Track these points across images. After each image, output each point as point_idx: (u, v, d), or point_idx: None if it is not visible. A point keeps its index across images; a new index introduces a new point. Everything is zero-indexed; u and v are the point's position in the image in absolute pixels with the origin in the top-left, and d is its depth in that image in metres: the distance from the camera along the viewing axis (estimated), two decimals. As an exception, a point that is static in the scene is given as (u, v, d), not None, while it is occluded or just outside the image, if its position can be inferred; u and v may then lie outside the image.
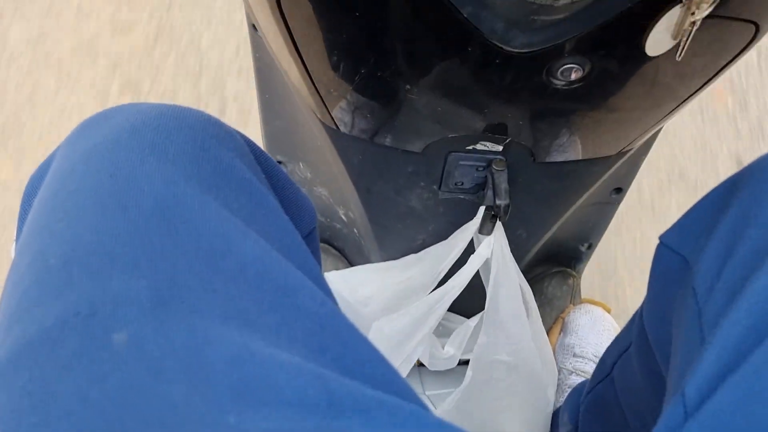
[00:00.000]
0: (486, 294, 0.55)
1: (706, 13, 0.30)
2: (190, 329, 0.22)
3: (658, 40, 0.33)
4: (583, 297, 0.78)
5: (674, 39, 0.32)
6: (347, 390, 0.22)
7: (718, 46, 0.36)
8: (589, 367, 0.69)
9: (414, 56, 0.36)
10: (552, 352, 0.66)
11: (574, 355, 0.71)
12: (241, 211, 0.28)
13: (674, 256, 0.37)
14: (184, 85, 0.98)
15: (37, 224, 0.27)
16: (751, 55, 1.01)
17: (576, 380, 0.69)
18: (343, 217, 0.62)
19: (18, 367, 0.22)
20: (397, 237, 0.57)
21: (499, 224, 0.50)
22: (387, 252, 0.59)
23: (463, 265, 0.52)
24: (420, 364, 0.71)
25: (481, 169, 0.47)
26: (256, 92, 0.55)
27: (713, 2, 0.29)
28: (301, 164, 0.60)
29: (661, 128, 0.53)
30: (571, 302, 0.76)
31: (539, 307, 0.62)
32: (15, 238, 0.32)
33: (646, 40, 0.33)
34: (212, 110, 0.96)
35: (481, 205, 0.50)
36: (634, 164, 0.58)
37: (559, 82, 0.36)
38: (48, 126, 0.96)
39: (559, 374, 0.69)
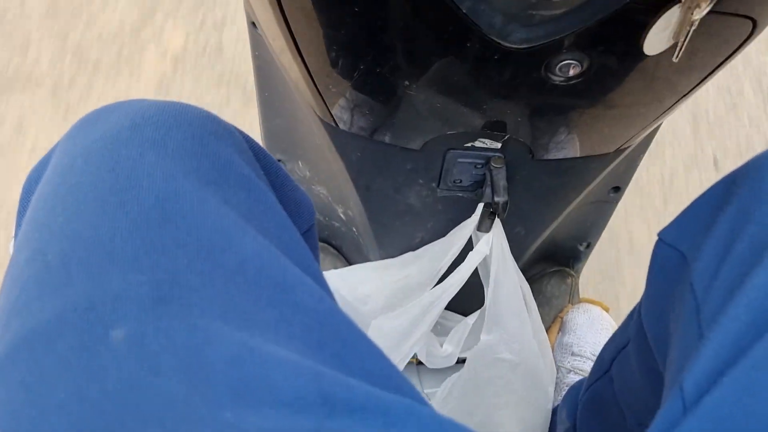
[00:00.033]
0: (484, 292, 0.55)
1: (705, 12, 0.30)
2: (189, 326, 0.22)
3: (657, 40, 0.33)
4: (581, 296, 0.78)
5: (674, 40, 0.32)
6: (344, 388, 0.22)
7: (716, 43, 0.36)
8: (588, 366, 0.69)
9: (413, 52, 0.36)
10: (551, 349, 0.66)
11: (573, 354, 0.71)
12: (240, 207, 0.28)
13: (673, 252, 0.37)
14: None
15: (36, 220, 0.27)
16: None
17: (574, 379, 0.69)
18: (342, 215, 0.62)
19: (16, 361, 0.22)
20: (396, 235, 0.57)
21: (497, 221, 0.50)
22: (386, 250, 0.59)
23: (461, 263, 0.52)
24: (418, 362, 0.71)
25: (479, 166, 0.47)
26: (256, 90, 0.55)
27: (712, 1, 0.30)
28: (300, 163, 0.60)
29: (659, 126, 0.53)
30: (569, 301, 0.76)
31: (538, 306, 0.62)
32: (13, 234, 0.32)
33: (644, 41, 0.33)
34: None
35: (479, 202, 0.50)
36: (633, 163, 0.58)
37: (557, 78, 0.36)
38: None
39: (557, 373, 0.69)
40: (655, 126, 0.48)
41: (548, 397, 0.64)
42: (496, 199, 0.46)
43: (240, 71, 0.99)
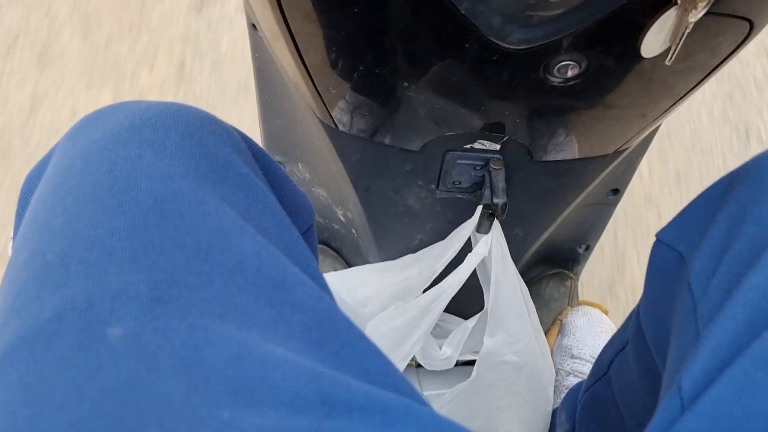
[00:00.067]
0: (482, 294, 0.55)
1: (701, 14, 0.30)
2: (188, 325, 0.22)
3: (654, 42, 0.33)
4: (580, 298, 0.78)
5: (670, 42, 0.32)
6: (342, 388, 0.22)
7: (713, 44, 0.36)
8: (587, 369, 0.69)
9: (412, 53, 0.36)
10: (550, 353, 0.66)
11: (572, 357, 0.71)
12: (239, 207, 0.28)
13: (671, 252, 0.37)
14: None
15: (35, 220, 0.27)
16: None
17: (573, 381, 0.69)
18: (342, 217, 0.62)
19: (14, 360, 0.22)
20: (395, 236, 0.57)
21: (496, 223, 0.50)
22: (385, 252, 0.59)
23: (460, 264, 0.52)
24: (418, 365, 0.71)
25: (478, 168, 0.47)
26: (255, 92, 0.55)
27: (708, 3, 0.30)
28: (299, 164, 0.60)
29: (658, 128, 0.53)
30: (568, 304, 0.76)
31: (537, 308, 0.62)
32: (12, 235, 0.32)
33: (641, 43, 0.33)
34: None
35: (478, 204, 0.50)
36: (631, 165, 0.58)
37: (555, 79, 0.37)
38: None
39: (556, 375, 0.69)
40: (653, 128, 0.49)
41: (549, 399, 0.64)
42: (495, 200, 0.46)
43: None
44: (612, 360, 0.51)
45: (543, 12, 0.31)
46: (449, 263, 0.53)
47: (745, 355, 0.25)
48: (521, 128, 0.43)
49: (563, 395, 0.67)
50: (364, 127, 0.44)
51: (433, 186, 0.50)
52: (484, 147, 0.45)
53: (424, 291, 0.55)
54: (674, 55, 0.33)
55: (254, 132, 0.56)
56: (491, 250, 0.50)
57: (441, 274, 0.53)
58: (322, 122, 0.46)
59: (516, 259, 0.56)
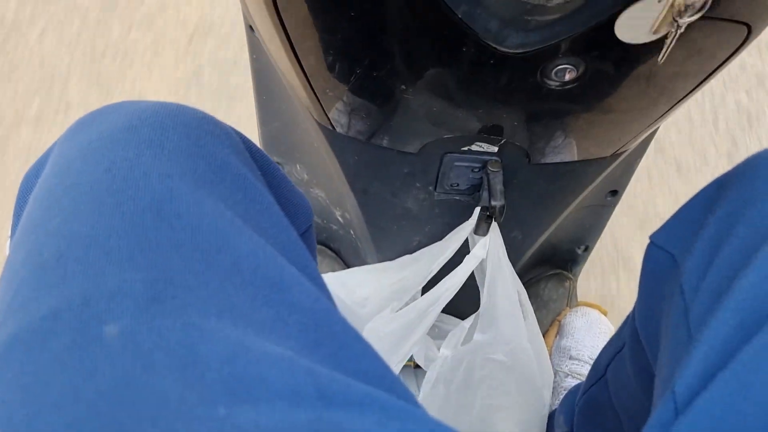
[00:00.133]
0: (480, 295, 0.55)
1: (691, 19, 0.30)
2: (184, 324, 0.22)
3: (631, 26, 0.32)
4: (579, 299, 0.78)
5: (652, 32, 0.32)
6: (339, 385, 0.23)
7: (711, 48, 0.36)
8: (585, 370, 0.69)
9: (409, 56, 0.36)
10: (548, 355, 0.66)
11: (570, 358, 0.71)
12: (237, 207, 0.28)
13: (664, 255, 0.37)
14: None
15: (33, 220, 0.27)
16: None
17: (572, 383, 0.69)
18: (340, 218, 0.62)
19: (10, 359, 0.22)
20: (393, 238, 0.57)
21: (494, 225, 0.50)
22: (383, 253, 0.59)
23: (458, 266, 0.52)
24: (416, 366, 0.71)
25: (476, 170, 0.47)
26: (254, 93, 0.55)
27: (696, 12, 0.29)
28: (298, 166, 0.60)
29: (656, 131, 0.53)
30: (567, 305, 0.76)
31: (536, 309, 0.62)
32: (9, 234, 0.32)
33: (615, 22, 0.32)
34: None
35: (476, 206, 0.50)
36: (629, 167, 0.58)
37: (553, 83, 0.37)
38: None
39: (555, 377, 0.69)
40: (651, 130, 0.49)
41: (544, 402, 0.64)
42: (493, 203, 0.46)
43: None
44: (609, 362, 0.51)
45: (540, 16, 0.31)
46: (447, 265, 0.53)
47: (737, 358, 0.25)
48: (519, 131, 0.43)
49: (561, 397, 0.67)
50: (362, 129, 0.44)
51: (430, 188, 0.50)
52: (482, 149, 0.45)
53: (423, 291, 0.55)
54: (665, 55, 0.33)
55: (253, 133, 0.56)
56: (488, 252, 0.50)
57: (439, 275, 0.53)
58: (319, 124, 0.46)
59: (514, 260, 0.56)
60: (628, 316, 0.48)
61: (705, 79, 0.39)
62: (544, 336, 0.74)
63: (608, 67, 0.36)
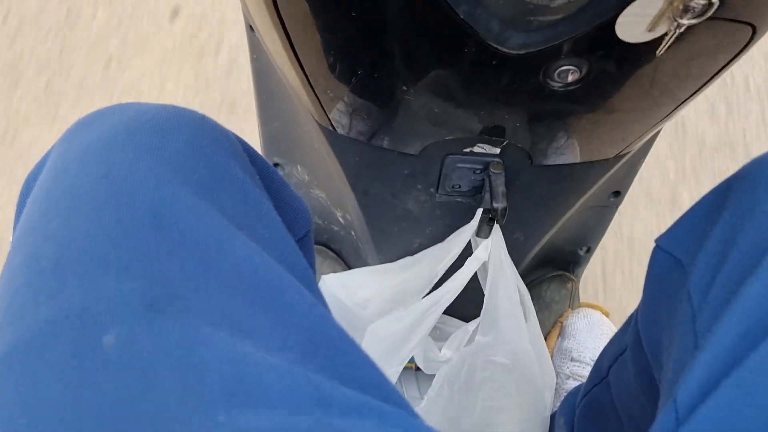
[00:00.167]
0: (483, 297, 0.55)
1: (691, 22, 0.30)
2: (182, 331, 0.22)
3: (632, 24, 0.32)
4: (581, 301, 0.78)
5: (648, 30, 0.31)
6: (337, 392, 0.23)
7: (715, 48, 0.36)
8: (587, 372, 0.69)
9: (410, 57, 0.36)
10: (549, 356, 0.66)
11: (572, 360, 0.70)
12: (235, 214, 0.28)
13: (670, 259, 0.37)
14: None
15: (31, 223, 0.27)
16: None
17: (573, 385, 0.68)
18: (341, 219, 0.62)
19: (9, 368, 0.22)
20: (395, 240, 0.56)
21: (496, 227, 0.50)
22: (384, 255, 0.59)
23: (459, 267, 0.52)
24: (417, 368, 0.71)
25: (478, 171, 0.47)
26: (254, 94, 0.55)
27: (698, 15, 0.29)
28: (298, 166, 0.60)
29: (659, 132, 0.53)
30: (569, 306, 0.76)
31: (537, 311, 0.62)
32: (11, 237, 0.32)
33: (615, 22, 0.32)
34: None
35: (478, 207, 0.50)
36: (633, 167, 0.58)
37: (556, 84, 0.36)
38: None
39: (556, 378, 0.69)
40: (655, 131, 0.48)
41: (545, 404, 0.64)
42: (495, 205, 0.46)
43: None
44: (611, 364, 0.51)
45: (542, 17, 0.31)
46: (449, 267, 0.52)
47: (741, 368, 0.25)
48: (521, 132, 0.42)
49: (562, 399, 0.67)
50: (363, 130, 0.44)
51: (432, 190, 0.49)
52: (483, 151, 0.45)
53: (425, 295, 0.55)
54: (664, 49, 0.32)
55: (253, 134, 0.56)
56: (490, 254, 0.50)
57: (441, 277, 0.53)
58: (320, 125, 0.46)
59: (516, 262, 0.55)
60: (630, 317, 0.48)
61: (709, 80, 0.39)
62: (545, 337, 0.74)
63: (611, 68, 0.36)
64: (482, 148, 0.45)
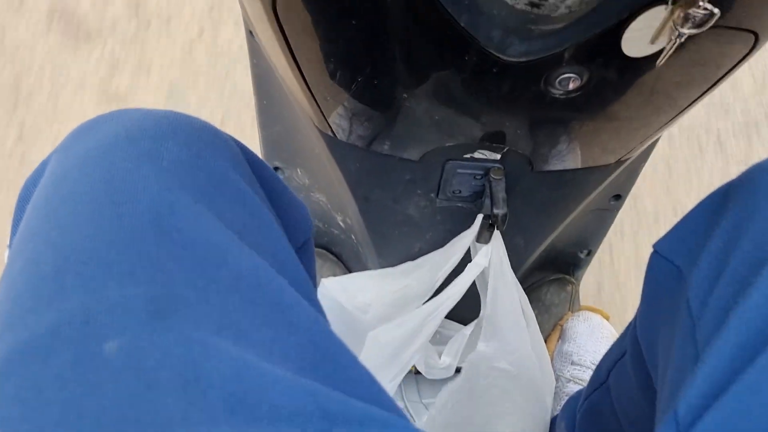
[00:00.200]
0: (481, 300, 0.55)
1: (691, 32, 0.30)
2: (186, 340, 0.22)
3: (636, 39, 0.32)
4: (581, 304, 0.77)
5: (651, 43, 0.31)
6: (340, 404, 0.23)
7: (717, 56, 0.36)
8: (587, 376, 0.69)
9: (411, 65, 0.36)
10: (550, 360, 0.66)
11: (572, 363, 0.70)
12: (235, 222, 0.28)
13: (668, 264, 0.37)
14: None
15: (30, 230, 0.27)
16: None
17: (574, 388, 0.68)
18: (341, 223, 0.62)
19: (10, 374, 0.22)
20: (395, 244, 0.56)
21: (496, 233, 0.50)
22: (384, 259, 0.59)
23: (459, 273, 0.52)
24: (417, 372, 0.71)
25: (478, 177, 0.47)
26: (254, 98, 0.55)
27: (699, 25, 0.29)
28: (299, 170, 0.60)
29: (661, 136, 0.52)
30: (569, 309, 0.76)
31: (538, 314, 0.62)
32: (8, 243, 0.32)
33: (621, 38, 0.32)
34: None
35: (478, 212, 0.49)
36: (633, 171, 0.58)
37: (557, 92, 0.36)
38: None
39: (557, 382, 0.69)
40: (657, 137, 0.48)
41: (546, 409, 0.64)
42: (495, 211, 0.46)
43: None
44: (611, 369, 0.51)
45: (543, 26, 0.31)
46: (449, 273, 0.52)
47: (740, 381, 0.25)
48: (522, 139, 0.42)
49: (563, 402, 0.67)
50: (363, 136, 0.43)
51: (432, 195, 0.49)
52: (484, 157, 0.45)
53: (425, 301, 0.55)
54: (664, 59, 0.32)
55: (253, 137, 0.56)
56: (491, 260, 0.50)
57: (441, 283, 0.53)
58: (320, 130, 0.45)
59: (516, 266, 0.55)
60: (630, 323, 0.47)
61: (711, 87, 0.39)
62: (546, 341, 0.74)
63: (612, 76, 0.35)
64: (483, 154, 0.45)
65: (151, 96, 0.96)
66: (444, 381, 0.64)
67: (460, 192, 0.49)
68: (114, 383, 0.21)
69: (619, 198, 0.61)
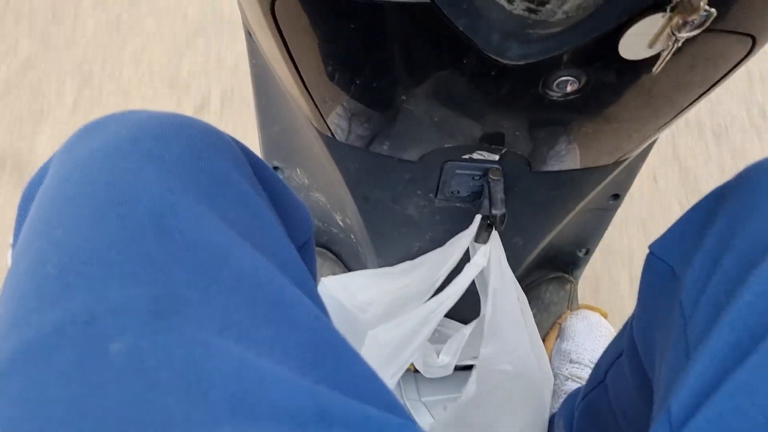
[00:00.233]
0: (480, 300, 0.55)
1: (692, 33, 0.30)
2: (188, 340, 0.22)
3: (634, 44, 0.32)
4: (580, 302, 0.78)
5: (649, 47, 0.32)
6: (339, 406, 0.23)
7: (714, 59, 0.36)
8: (586, 374, 0.69)
9: (409, 67, 0.36)
10: (548, 359, 0.66)
11: (571, 361, 0.71)
12: (237, 223, 0.28)
13: (663, 265, 0.37)
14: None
15: (34, 231, 0.27)
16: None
17: (572, 386, 0.69)
18: (341, 222, 0.62)
19: (14, 373, 0.22)
20: (394, 244, 0.57)
21: (495, 233, 0.50)
22: (384, 259, 0.59)
23: (458, 272, 0.52)
24: (416, 370, 0.71)
25: (477, 177, 0.47)
26: (253, 98, 0.55)
27: (696, 27, 0.29)
28: (298, 170, 0.60)
29: (659, 137, 0.53)
30: (568, 308, 0.76)
31: (537, 313, 0.62)
32: (11, 243, 0.32)
33: (618, 42, 0.32)
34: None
35: (477, 212, 0.50)
36: (632, 171, 0.58)
37: (554, 94, 0.36)
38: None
39: (555, 380, 0.69)
40: (655, 137, 0.48)
41: (545, 407, 0.64)
42: (494, 211, 0.46)
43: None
44: (609, 368, 0.51)
45: (541, 29, 0.31)
46: (448, 273, 0.53)
47: (732, 378, 0.25)
48: (520, 140, 0.42)
49: (561, 400, 0.67)
50: (362, 137, 0.44)
51: (431, 195, 0.49)
52: (483, 158, 0.45)
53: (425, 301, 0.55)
54: (660, 67, 0.32)
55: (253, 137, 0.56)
56: (489, 260, 0.50)
57: (440, 282, 0.53)
58: (319, 131, 0.46)
59: (515, 266, 0.55)
60: (627, 322, 0.48)
61: (709, 89, 0.39)
62: (544, 339, 0.74)
63: (610, 79, 0.36)
64: (481, 155, 0.45)
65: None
66: (443, 378, 0.65)
67: (458, 192, 0.49)
68: (116, 383, 0.21)
69: (617, 197, 0.61)
